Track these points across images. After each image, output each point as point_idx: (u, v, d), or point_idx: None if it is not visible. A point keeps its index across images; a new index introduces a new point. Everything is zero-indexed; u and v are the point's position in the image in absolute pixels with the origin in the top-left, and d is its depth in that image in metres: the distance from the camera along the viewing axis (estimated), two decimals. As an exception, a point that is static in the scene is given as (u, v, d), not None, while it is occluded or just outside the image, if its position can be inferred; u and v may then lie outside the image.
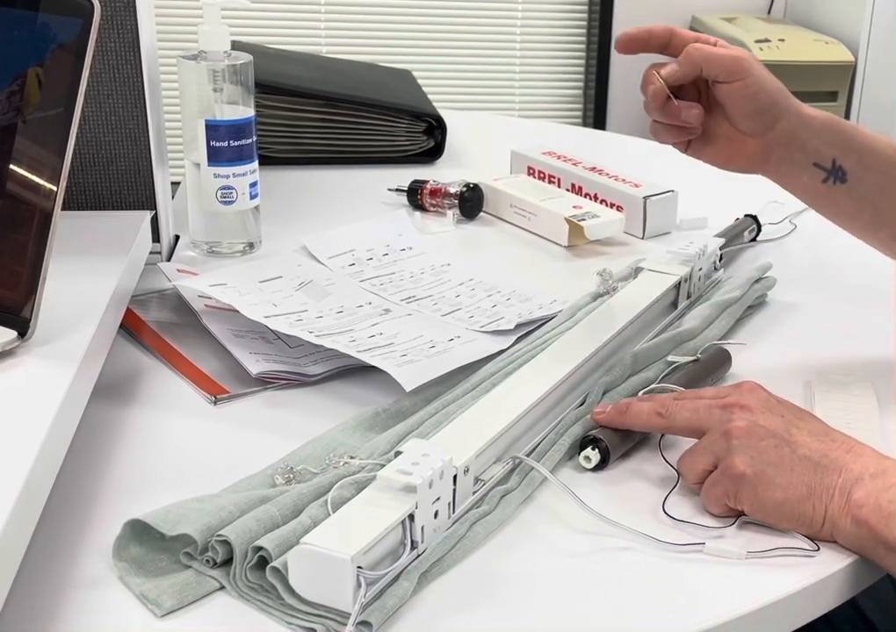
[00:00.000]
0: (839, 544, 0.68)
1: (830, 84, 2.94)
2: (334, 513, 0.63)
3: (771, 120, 0.88)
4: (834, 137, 0.89)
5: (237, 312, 0.95)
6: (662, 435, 0.79)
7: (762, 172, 0.91)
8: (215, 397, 0.84)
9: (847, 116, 2.97)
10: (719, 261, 1.07)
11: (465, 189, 1.27)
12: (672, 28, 0.89)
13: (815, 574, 0.66)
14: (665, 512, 0.71)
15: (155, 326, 0.95)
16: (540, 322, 0.97)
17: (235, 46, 1.10)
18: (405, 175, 1.34)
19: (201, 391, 0.85)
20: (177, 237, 1.16)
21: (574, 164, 1.34)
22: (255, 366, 0.86)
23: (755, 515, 0.69)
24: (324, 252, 1.11)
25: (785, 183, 0.93)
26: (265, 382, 0.86)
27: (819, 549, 0.68)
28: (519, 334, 0.94)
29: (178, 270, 1.00)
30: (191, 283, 0.96)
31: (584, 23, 3.51)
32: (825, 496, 0.67)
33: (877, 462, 0.69)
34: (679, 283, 0.99)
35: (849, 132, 0.90)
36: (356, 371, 0.88)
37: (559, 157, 1.36)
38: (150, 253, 1.04)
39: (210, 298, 0.96)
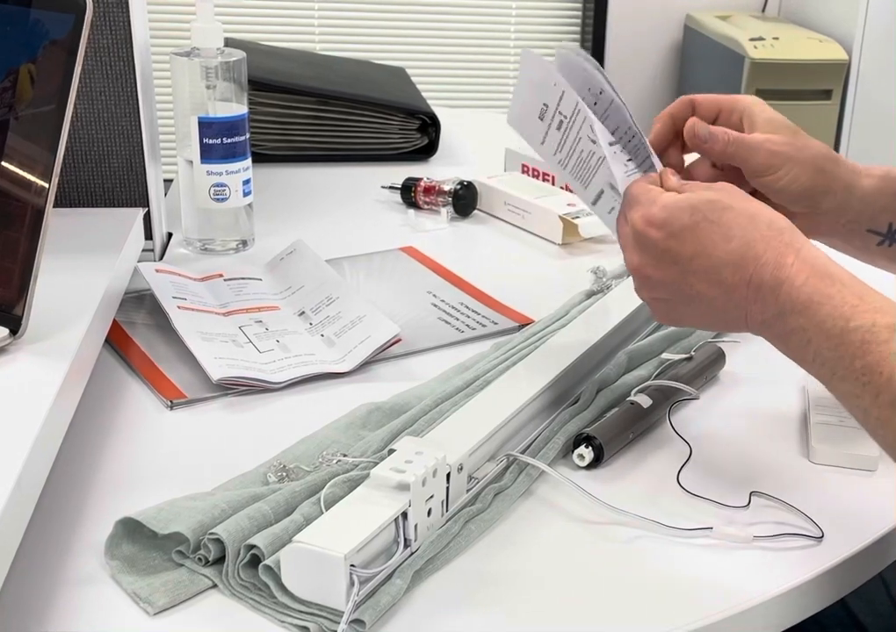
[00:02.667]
0: (841, 534, 0.69)
1: (824, 82, 2.94)
2: (327, 511, 0.63)
3: (813, 203, 0.82)
4: (891, 202, 0.83)
5: (210, 313, 0.95)
6: (672, 406, 0.82)
7: (814, 239, 0.82)
8: (171, 401, 0.83)
9: (841, 114, 2.97)
10: (713, 258, 1.07)
11: (459, 186, 1.27)
12: (692, 99, 0.83)
13: (810, 570, 0.66)
14: (679, 484, 0.73)
15: (128, 328, 0.94)
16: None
17: (229, 42, 1.10)
18: (399, 173, 1.34)
19: (158, 394, 0.84)
20: (170, 234, 1.16)
21: (568, 162, 1.34)
22: (217, 371, 0.84)
23: None
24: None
25: (837, 247, 0.87)
26: (226, 388, 0.85)
27: (823, 535, 0.69)
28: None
29: (157, 270, 0.99)
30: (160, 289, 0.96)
31: (578, 19, 3.51)
32: (740, 328, 0.71)
33: (774, 297, 0.67)
34: (673, 280, 0.98)
35: None
36: (323, 378, 0.88)
37: (553, 155, 1.36)
38: (143, 250, 1.04)
39: (184, 299, 0.95)
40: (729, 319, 0.70)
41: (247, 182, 1.11)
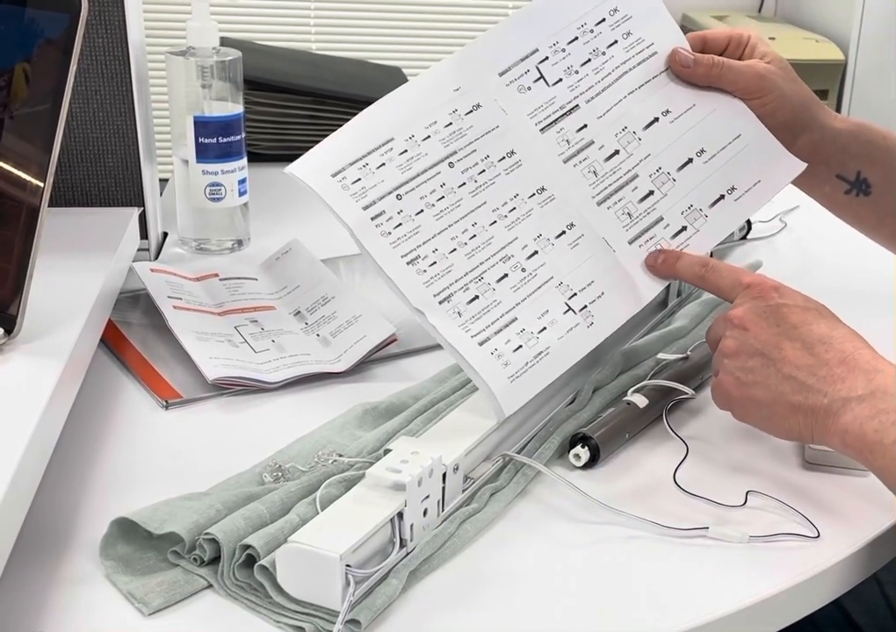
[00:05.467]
0: (837, 534, 0.69)
1: (820, 83, 2.94)
2: (322, 511, 0.63)
3: (791, 136, 0.87)
4: (861, 149, 0.89)
5: (206, 312, 0.95)
6: (668, 405, 0.81)
7: None
8: (167, 401, 0.83)
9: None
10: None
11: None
12: (703, 35, 0.88)
13: (804, 572, 0.66)
14: (676, 483, 0.73)
15: (123, 328, 0.94)
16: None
17: (224, 42, 1.10)
18: (395, 173, 1.34)
19: (153, 394, 0.84)
20: (166, 234, 1.15)
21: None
22: (212, 371, 0.84)
23: (748, 424, 0.73)
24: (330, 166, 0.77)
25: (805, 190, 0.92)
26: (221, 388, 0.85)
27: (819, 535, 0.69)
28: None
29: (153, 270, 0.99)
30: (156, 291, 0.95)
31: (574, 20, 3.51)
32: (810, 416, 0.69)
33: (867, 380, 0.68)
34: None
35: (878, 142, 0.90)
36: (319, 378, 0.88)
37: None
38: (138, 250, 1.03)
39: (180, 298, 0.95)
40: (803, 394, 0.69)
41: (242, 181, 1.11)
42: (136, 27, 1.01)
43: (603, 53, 0.84)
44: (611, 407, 0.81)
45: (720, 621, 0.62)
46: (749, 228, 1.20)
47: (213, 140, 1.07)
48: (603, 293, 0.79)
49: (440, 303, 0.74)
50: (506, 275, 0.76)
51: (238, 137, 1.09)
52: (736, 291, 0.75)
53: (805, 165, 0.86)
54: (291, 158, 1.56)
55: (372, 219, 0.74)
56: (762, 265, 1.08)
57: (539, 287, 0.77)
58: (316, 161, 0.76)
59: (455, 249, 0.75)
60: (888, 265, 1.07)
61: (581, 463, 0.75)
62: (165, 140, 1.12)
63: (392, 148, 0.76)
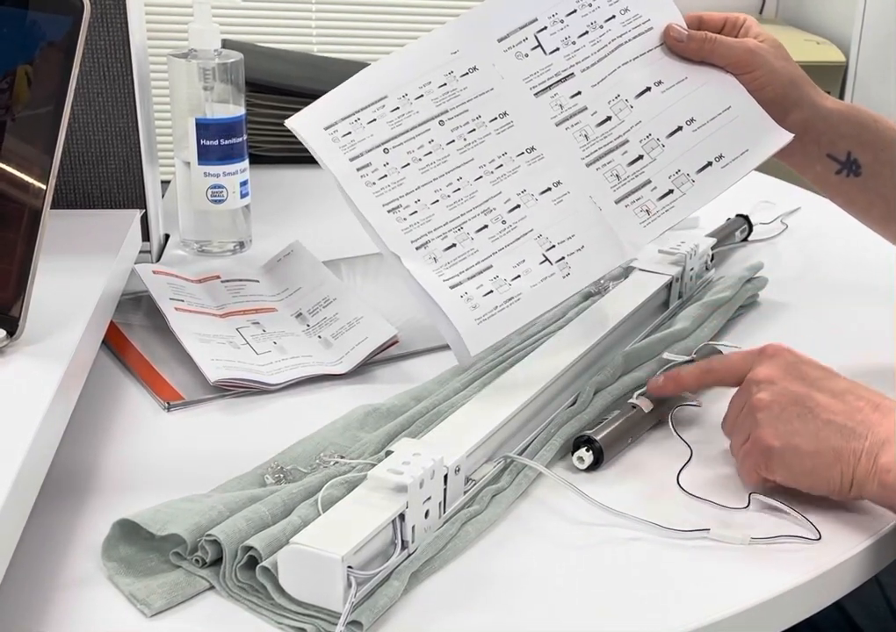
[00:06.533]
0: (838, 536, 0.69)
1: (821, 85, 2.92)
2: (324, 512, 0.63)
3: (782, 112, 0.89)
4: (852, 129, 0.90)
5: (207, 314, 0.95)
6: (673, 410, 0.81)
7: (776, 157, 0.92)
8: (168, 403, 0.83)
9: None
10: (711, 260, 1.07)
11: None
12: (700, 15, 0.90)
13: (805, 574, 0.66)
14: (679, 485, 0.73)
15: (125, 329, 0.94)
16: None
17: (226, 44, 1.10)
18: (396, 175, 1.34)
19: (155, 396, 0.84)
20: (167, 236, 1.15)
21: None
22: (214, 373, 0.85)
23: (787, 483, 0.71)
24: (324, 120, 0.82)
25: (798, 169, 0.94)
26: (223, 389, 0.85)
27: (820, 536, 0.69)
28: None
29: (154, 272, 0.99)
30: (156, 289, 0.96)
31: (576, 22, 3.50)
32: (852, 459, 0.68)
33: None
34: (670, 282, 0.99)
35: (869, 124, 0.91)
36: (321, 380, 0.88)
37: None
38: (140, 252, 1.03)
39: (181, 300, 0.95)
40: (845, 438, 0.68)
41: (244, 183, 1.11)
42: (138, 29, 1.02)
43: (601, 27, 0.86)
44: (615, 410, 0.80)
45: (721, 623, 0.62)
46: (751, 230, 1.20)
47: (215, 142, 1.07)
48: (583, 247, 0.81)
49: (416, 249, 0.78)
50: (486, 226, 0.80)
51: (240, 139, 1.09)
52: (749, 359, 0.75)
53: (791, 135, 0.87)
54: (292, 160, 1.56)
55: (358, 170, 0.78)
56: (762, 267, 1.08)
57: (518, 238, 0.80)
58: (312, 115, 0.81)
59: (437, 201, 0.79)
60: (889, 265, 1.07)
61: (584, 466, 0.75)
62: (167, 142, 1.12)
63: (384, 106, 0.81)
